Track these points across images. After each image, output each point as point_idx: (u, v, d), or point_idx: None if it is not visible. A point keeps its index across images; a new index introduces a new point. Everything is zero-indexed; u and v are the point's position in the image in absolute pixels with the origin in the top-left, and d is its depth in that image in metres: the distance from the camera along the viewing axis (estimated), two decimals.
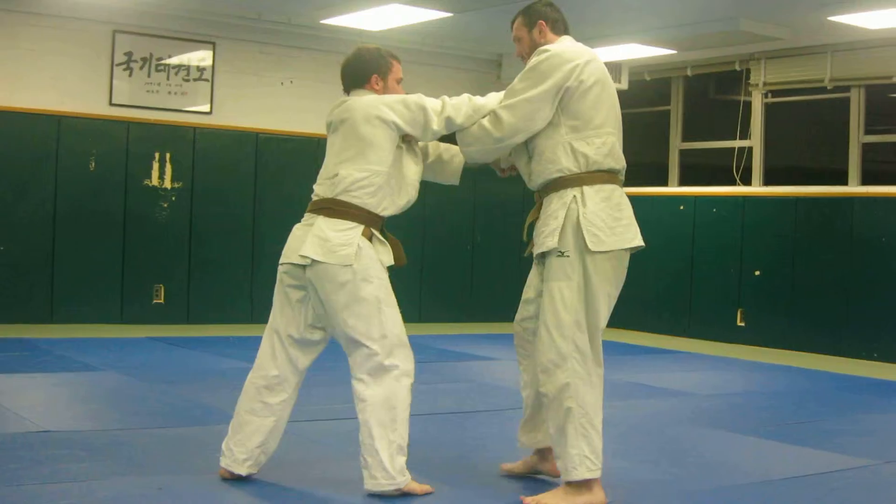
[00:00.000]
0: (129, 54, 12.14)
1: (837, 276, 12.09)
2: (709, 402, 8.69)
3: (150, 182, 12.31)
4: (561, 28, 5.38)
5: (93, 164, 12.01)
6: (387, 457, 5.02)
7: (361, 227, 5.18)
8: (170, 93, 12.37)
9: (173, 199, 12.42)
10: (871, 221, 11.87)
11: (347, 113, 5.29)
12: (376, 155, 5.17)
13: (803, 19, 11.19)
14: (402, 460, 5.09)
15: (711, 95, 14.45)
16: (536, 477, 5.60)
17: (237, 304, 12.70)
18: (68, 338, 10.85)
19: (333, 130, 5.37)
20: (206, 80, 12.59)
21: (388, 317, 5.14)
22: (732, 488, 5.62)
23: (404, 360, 5.16)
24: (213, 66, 12.61)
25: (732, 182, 13.30)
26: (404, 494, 5.09)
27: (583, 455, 4.99)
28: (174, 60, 12.40)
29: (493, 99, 5.31)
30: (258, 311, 12.61)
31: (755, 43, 12.26)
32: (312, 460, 5.87)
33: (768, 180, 13.16)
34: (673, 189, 14.15)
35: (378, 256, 5.19)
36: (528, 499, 5.06)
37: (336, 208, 5.25)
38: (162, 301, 12.35)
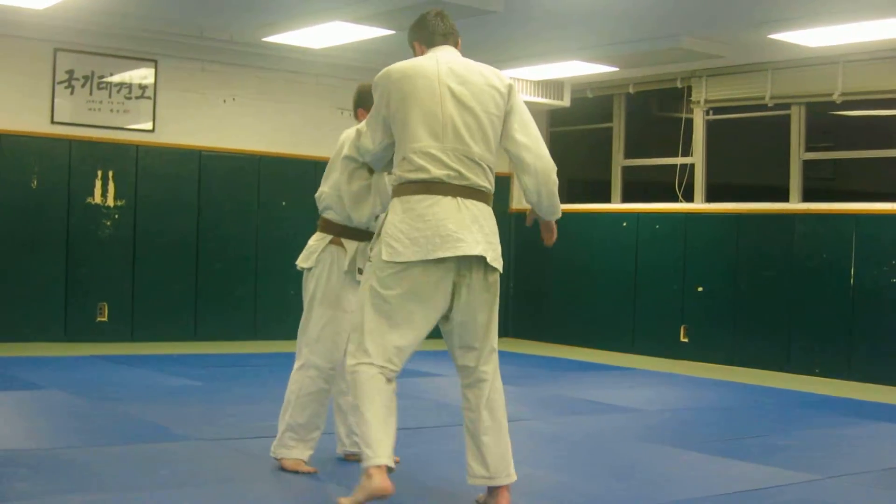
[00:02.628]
0: (70, 72, 12.08)
1: (779, 292, 12.19)
2: (653, 417, 8.72)
3: (93, 200, 12.25)
4: (436, 40, 5.37)
5: (35, 182, 11.94)
6: (279, 432, 5.93)
7: (329, 237, 5.96)
8: (112, 111, 12.31)
9: (116, 216, 12.36)
10: (812, 238, 11.95)
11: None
12: (332, 177, 6.00)
13: (744, 37, 11.25)
14: (286, 436, 5.90)
15: (654, 112, 14.56)
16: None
17: (181, 322, 12.63)
18: (11, 356, 10.77)
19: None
20: (149, 97, 12.54)
21: (313, 315, 5.95)
22: (676, 503, 5.64)
23: (311, 355, 5.92)
24: (155, 83, 12.56)
25: (675, 199, 13.38)
26: (281, 467, 5.91)
27: (365, 445, 5.08)
28: (116, 78, 12.34)
29: None
30: (202, 328, 12.61)
31: (696, 60, 12.33)
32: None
33: (710, 197, 13.24)
34: (616, 206, 14.19)
35: (338, 261, 5.85)
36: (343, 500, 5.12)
37: (319, 223, 6.09)
38: (106, 319, 12.27)
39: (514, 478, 5.25)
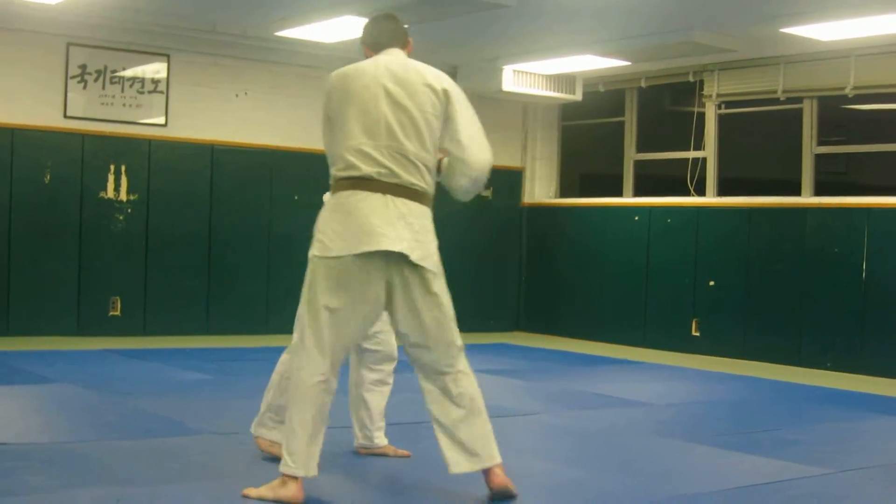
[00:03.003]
0: (83, 67, 12.10)
1: (791, 286, 12.19)
2: (665, 411, 8.72)
3: (106, 194, 12.29)
4: (381, 43, 5.43)
5: (48, 176, 11.98)
6: (260, 411, 6.04)
7: None
8: (125, 105, 12.33)
9: (129, 211, 12.40)
10: (824, 232, 11.96)
11: None
12: None
13: (756, 31, 11.23)
14: (266, 416, 5.98)
15: (666, 107, 14.56)
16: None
17: (193, 316, 12.66)
18: (24, 350, 10.80)
19: None
20: (161, 92, 12.55)
21: (300, 310, 5.67)
22: (689, 497, 5.61)
23: (291, 350, 5.61)
24: (167, 78, 12.58)
25: (687, 193, 13.39)
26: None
27: (286, 452, 5.11)
28: (129, 73, 12.36)
29: None
30: (214, 322, 12.64)
31: (709, 54, 12.33)
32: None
33: (722, 191, 13.25)
34: (627, 200, 14.20)
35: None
36: (248, 490, 5.20)
37: None
38: (118, 313, 12.30)
39: (498, 460, 5.29)
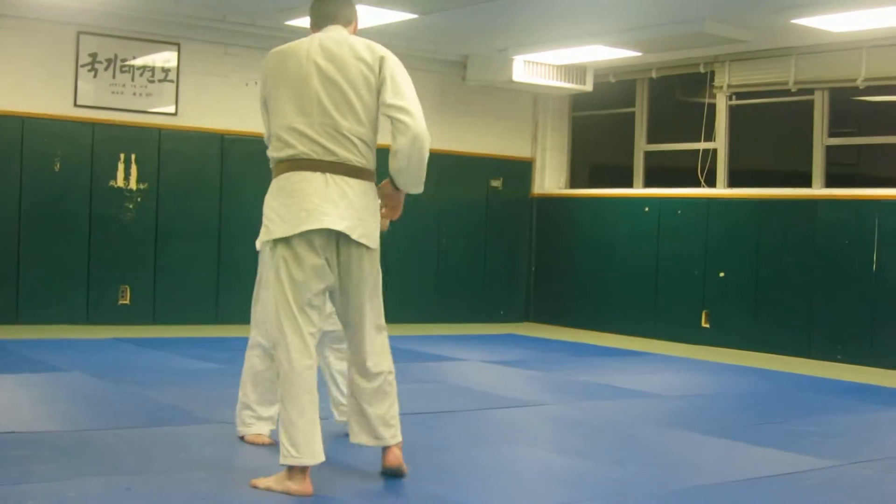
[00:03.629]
0: (93, 55, 12.13)
1: (801, 278, 12.20)
2: (674, 403, 8.74)
3: (116, 183, 12.32)
4: (321, 23, 5.43)
5: (58, 165, 12.01)
6: (237, 410, 6.24)
7: None
8: (135, 94, 12.36)
9: (139, 200, 12.43)
10: (835, 224, 11.97)
11: None
12: None
13: (767, 22, 11.23)
14: (244, 414, 6.19)
15: (676, 97, 14.56)
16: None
17: (203, 305, 12.69)
18: (34, 339, 10.83)
19: None
20: (171, 81, 12.58)
21: (260, 297, 6.25)
22: (698, 489, 5.64)
23: (257, 335, 6.16)
24: (177, 67, 12.61)
25: (697, 184, 13.40)
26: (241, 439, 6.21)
27: (289, 444, 5.13)
28: (139, 62, 12.39)
29: None
30: (223, 312, 12.66)
31: (720, 45, 12.30)
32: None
33: (733, 182, 13.27)
34: (638, 191, 14.22)
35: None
36: (256, 480, 5.24)
37: None
38: (128, 302, 12.32)
39: (398, 440, 5.44)
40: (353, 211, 5.14)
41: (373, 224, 5.24)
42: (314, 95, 5.16)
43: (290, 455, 5.05)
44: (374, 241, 5.24)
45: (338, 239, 5.16)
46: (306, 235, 5.11)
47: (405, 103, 5.17)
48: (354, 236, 5.14)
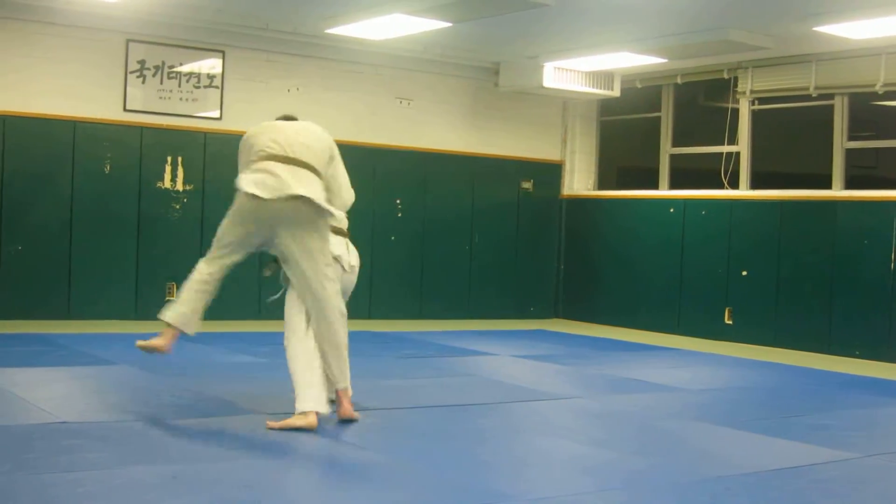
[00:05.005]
0: (142, 62, 12.41)
1: (821, 277, 12.32)
2: (698, 396, 8.79)
3: (163, 184, 12.62)
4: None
5: (108, 167, 12.33)
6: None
7: None
8: (181, 99, 12.65)
9: (185, 200, 12.75)
10: (854, 224, 12.08)
11: None
12: None
13: (789, 29, 11.36)
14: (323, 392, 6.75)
15: (701, 102, 14.66)
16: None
17: (246, 301, 12.79)
18: (85, 333, 11.00)
19: None
20: (216, 87, 12.87)
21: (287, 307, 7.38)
22: (720, 479, 5.69)
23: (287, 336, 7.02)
24: (222, 73, 12.89)
25: (720, 186, 13.54)
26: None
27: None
28: (185, 68, 12.66)
29: None
30: (266, 307, 12.92)
31: (743, 52, 12.42)
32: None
33: (755, 184, 13.39)
34: (663, 192, 14.37)
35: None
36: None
37: None
38: (174, 298, 12.52)
39: (344, 385, 6.73)
40: (313, 185, 6.72)
41: (325, 203, 6.86)
42: (285, 134, 7.00)
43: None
44: (327, 212, 6.86)
45: (292, 212, 6.84)
46: (273, 201, 6.73)
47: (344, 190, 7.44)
48: (316, 200, 6.70)
